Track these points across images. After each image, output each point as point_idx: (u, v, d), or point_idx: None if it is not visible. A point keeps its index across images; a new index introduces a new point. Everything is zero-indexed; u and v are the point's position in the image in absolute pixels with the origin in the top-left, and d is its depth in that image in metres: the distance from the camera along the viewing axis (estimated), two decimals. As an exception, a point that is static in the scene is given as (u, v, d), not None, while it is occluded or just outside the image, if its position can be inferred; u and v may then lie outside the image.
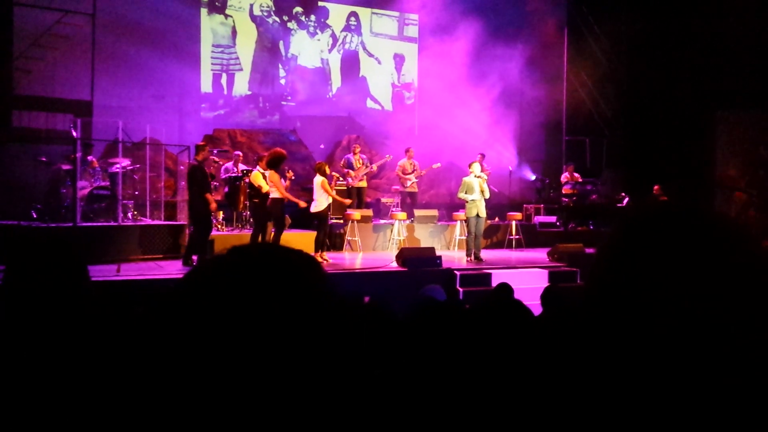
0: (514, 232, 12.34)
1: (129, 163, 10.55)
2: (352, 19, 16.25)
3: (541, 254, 11.16)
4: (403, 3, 16.12)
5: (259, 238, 9.28)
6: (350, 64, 16.28)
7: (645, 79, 15.52)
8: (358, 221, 11.42)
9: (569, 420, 0.76)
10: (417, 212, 12.41)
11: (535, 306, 4.22)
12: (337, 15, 16.07)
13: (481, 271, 9.35)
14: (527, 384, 1.35)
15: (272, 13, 15.39)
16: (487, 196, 10.18)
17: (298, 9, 15.63)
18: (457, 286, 8.85)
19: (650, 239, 0.73)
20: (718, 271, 0.69)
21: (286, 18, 15.54)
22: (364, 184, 12.77)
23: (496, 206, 13.26)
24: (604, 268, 0.76)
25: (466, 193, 10.12)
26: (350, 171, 12.51)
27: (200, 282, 0.73)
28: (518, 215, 12.67)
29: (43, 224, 9.23)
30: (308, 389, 0.68)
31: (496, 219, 13.36)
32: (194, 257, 8.79)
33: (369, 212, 12.29)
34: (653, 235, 0.73)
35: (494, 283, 8.39)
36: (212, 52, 14.71)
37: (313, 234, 9.89)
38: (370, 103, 16.56)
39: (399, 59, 16.86)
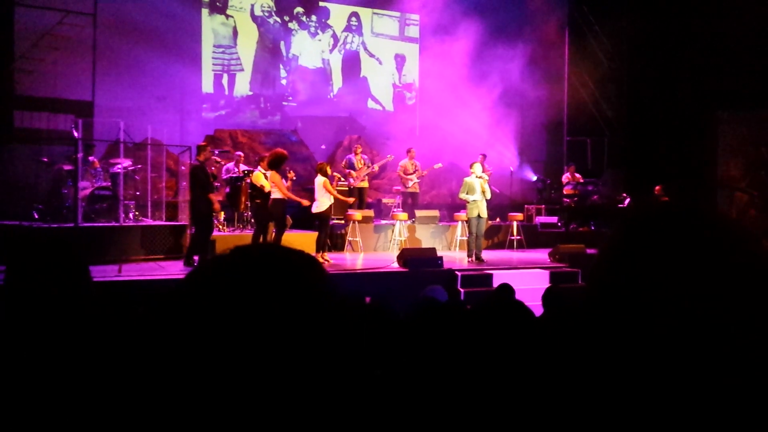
0: (515, 232, 12.34)
1: (130, 163, 10.56)
2: (353, 19, 16.25)
3: (542, 255, 11.15)
4: (404, 3, 16.12)
5: (261, 239, 9.29)
6: (351, 64, 16.29)
7: (646, 79, 15.51)
8: (359, 222, 11.42)
9: (570, 420, 0.76)
10: (418, 213, 12.41)
11: (537, 307, 4.22)
12: (338, 15, 16.07)
13: (482, 271, 9.35)
14: (528, 384, 1.35)
15: (273, 13, 15.40)
16: (489, 196, 10.18)
17: (299, 9, 15.63)
18: (458, 287, 8.85)
19: (651, 240, 0.73)
20: (719, 271, 0.69)
21: (287, 18, 15.55)
22: (365, 184, 12.78)
23: (497, 207, 13.25)
24: (605, 268, 0.76)
25: (467, 193, 10.11)
26: (352, 171, 12.51)
27: (201, 282, 0.73)
28: (519, 216, 12.67)
29: (45, 224, 9.24)
30: (309, 389, 0.68)
31: (498, 219, 13.35)
32: (195, 257, 8.80)
33: (370, 213, 12.30)
34: (654, 236, 0.73)
35: (495, 283, 8.38)
36: (213, 52, 14.71)
37: (314, 234, 9.89)
38: (371, 104, 16.56)
39: (400, 59, 16.86)
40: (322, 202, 9.55)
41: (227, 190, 11.31)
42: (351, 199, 11.36)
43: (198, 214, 8.92)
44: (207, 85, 14.67)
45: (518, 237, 12.29)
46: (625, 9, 15.85)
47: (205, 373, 0.67)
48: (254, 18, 15.15)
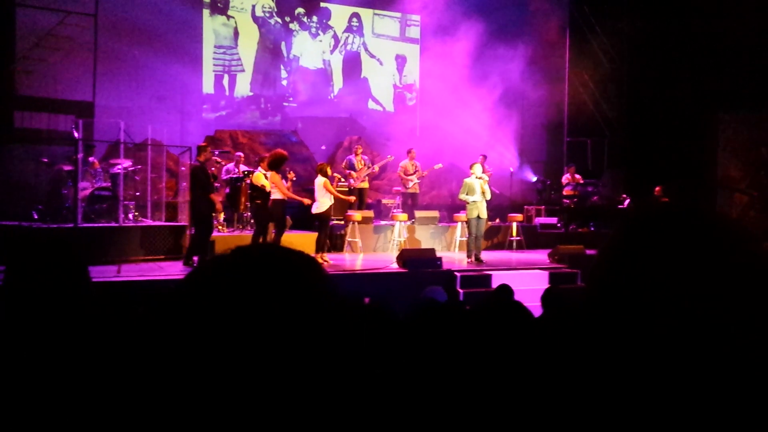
0: (514, 233, 12.33)
1: (130, 164, 10.55)
2: (354, 20, 16.26)
3: (541, 256, 11.15)
4: (405, 4, 16.13)
5: (261, 239, 9.29)
6: (352, 65, 16.29)
7: (646, 79, 15.51)
8: (358, 222, 11.42)
9: (570, 421, 0.76)
10: (418, 213, 12.41)
11: (536, 307, 4.22)
12: (339, 16, 16.08)
13: (481, 272, 9.35)
14: (527, 385, 1.35)
15: (274, 14, 15.41)
16: (489, 197, 10.18)
17: (300, 10, 15.64)
18: (458, 288, 8.85)
19: (651, 240, 0.73)
20: (719, 271, 0.69)
21: (288, 19, 15.56)
22: (365, 185, 12.78)
23: (496, 207, 13.25)
24: (605, 269, 0.76)
25: (467, 194, 10.11)
26: (352, 172, 12.52)
27: (201, 283, 0.73)
28: (519, 216, 12.67)
29: (44, 225, 9.24)
30: (309, 389, 0.68)
31: (497, 220, 13.35)
32: (195, 258, 8.81)
33: (370, 213, 12.29)
34: (654, 236, 0.73)
35: (495, 284, 8.38)
36: (214, 53, 14.72)
37: (314, 235, 9.90)
38: (371, 104, 16.57)
39: (401, 60, 16.87)
40: (322, 202, 9.55)
41: (227, 190, 11.32)
42: (352, 198, 11.37)
43: (198, 214, 8.93)
44: (207, 86, 14.68)
45: (518, 238, 12.29)
46: (625, 9, 15.86)
47: (205, 373, 0.67)
48: (255, 19, 15.16)
